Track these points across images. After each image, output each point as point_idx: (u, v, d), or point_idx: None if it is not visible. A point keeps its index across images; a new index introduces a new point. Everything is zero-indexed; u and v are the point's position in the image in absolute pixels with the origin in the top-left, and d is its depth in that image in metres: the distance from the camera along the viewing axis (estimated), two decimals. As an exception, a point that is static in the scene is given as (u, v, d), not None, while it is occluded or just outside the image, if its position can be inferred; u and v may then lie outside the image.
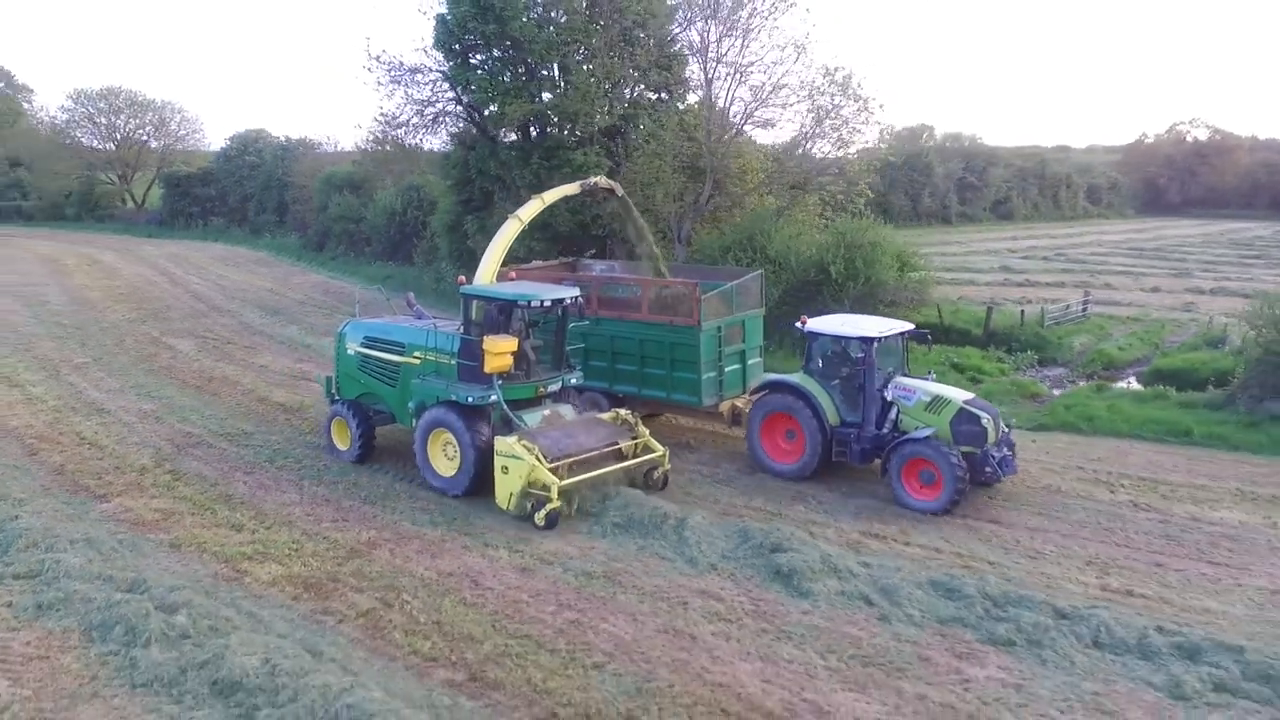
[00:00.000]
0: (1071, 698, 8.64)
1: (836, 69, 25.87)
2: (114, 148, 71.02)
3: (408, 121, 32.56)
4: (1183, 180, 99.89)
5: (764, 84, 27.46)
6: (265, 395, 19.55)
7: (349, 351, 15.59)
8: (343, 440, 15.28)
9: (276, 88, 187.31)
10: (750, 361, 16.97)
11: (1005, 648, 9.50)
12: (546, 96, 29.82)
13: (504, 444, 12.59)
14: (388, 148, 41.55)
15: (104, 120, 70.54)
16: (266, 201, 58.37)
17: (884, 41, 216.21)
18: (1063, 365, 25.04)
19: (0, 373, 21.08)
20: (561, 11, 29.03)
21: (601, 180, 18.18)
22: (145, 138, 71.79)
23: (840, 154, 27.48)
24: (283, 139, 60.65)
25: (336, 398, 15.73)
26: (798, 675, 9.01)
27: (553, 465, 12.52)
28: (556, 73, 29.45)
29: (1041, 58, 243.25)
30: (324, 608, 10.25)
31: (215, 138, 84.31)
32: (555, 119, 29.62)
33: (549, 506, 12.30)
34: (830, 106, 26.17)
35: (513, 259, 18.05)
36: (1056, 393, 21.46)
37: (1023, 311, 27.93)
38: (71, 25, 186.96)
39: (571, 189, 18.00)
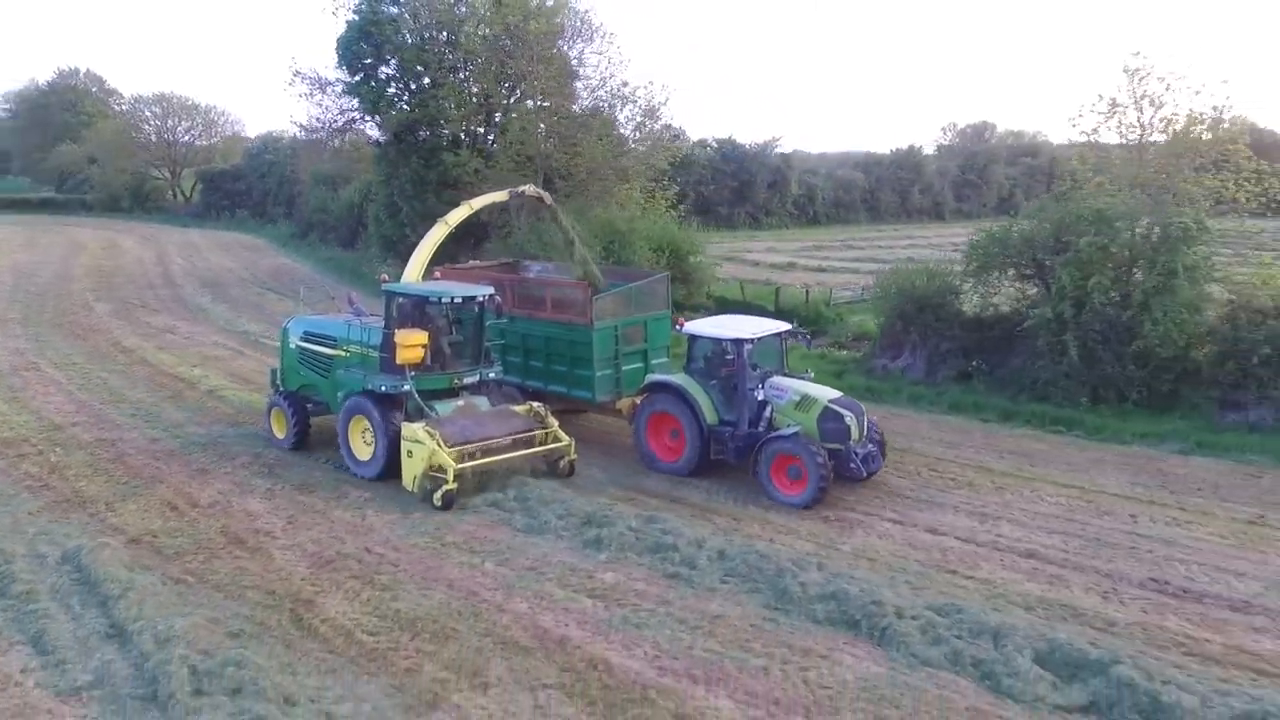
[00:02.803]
0: (418, 530, 13.03)
1: (624, 83, 31.01)
2: (166, 145, 79.56)
3: (328, 126, 38.55)
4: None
5: (595, 93, 32.97)
6: (119, 341, 25.61)
7: (291, 345, 16.71)
8: (280, 429, 16.38)
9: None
10: (656, 361, 17.37)
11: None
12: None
13: (409, 430, 13.61)
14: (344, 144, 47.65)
15: (157, 123, 79.19)
16: (281, 195, 65.58)
17: (945, 38, 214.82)
18: (824, 336, 29.18)
19: (-58, 321, 27.78)
20: (443, 31, 34.47)
21: (530, 189, 19.05)
22: (192, 139, 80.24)
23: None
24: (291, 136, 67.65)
25: (280, 389, 16.88)
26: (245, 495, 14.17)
27: (453, 450, 13.55)
28: (430, 86, 34.81)
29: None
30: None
31: (256, 132, 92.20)
32: (428, 125, 34.96)
33: (445, 487, 13.31)
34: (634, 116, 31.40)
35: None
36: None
37: (807, 291, 32.08)
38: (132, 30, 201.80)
39: (500, 197, 18.77)
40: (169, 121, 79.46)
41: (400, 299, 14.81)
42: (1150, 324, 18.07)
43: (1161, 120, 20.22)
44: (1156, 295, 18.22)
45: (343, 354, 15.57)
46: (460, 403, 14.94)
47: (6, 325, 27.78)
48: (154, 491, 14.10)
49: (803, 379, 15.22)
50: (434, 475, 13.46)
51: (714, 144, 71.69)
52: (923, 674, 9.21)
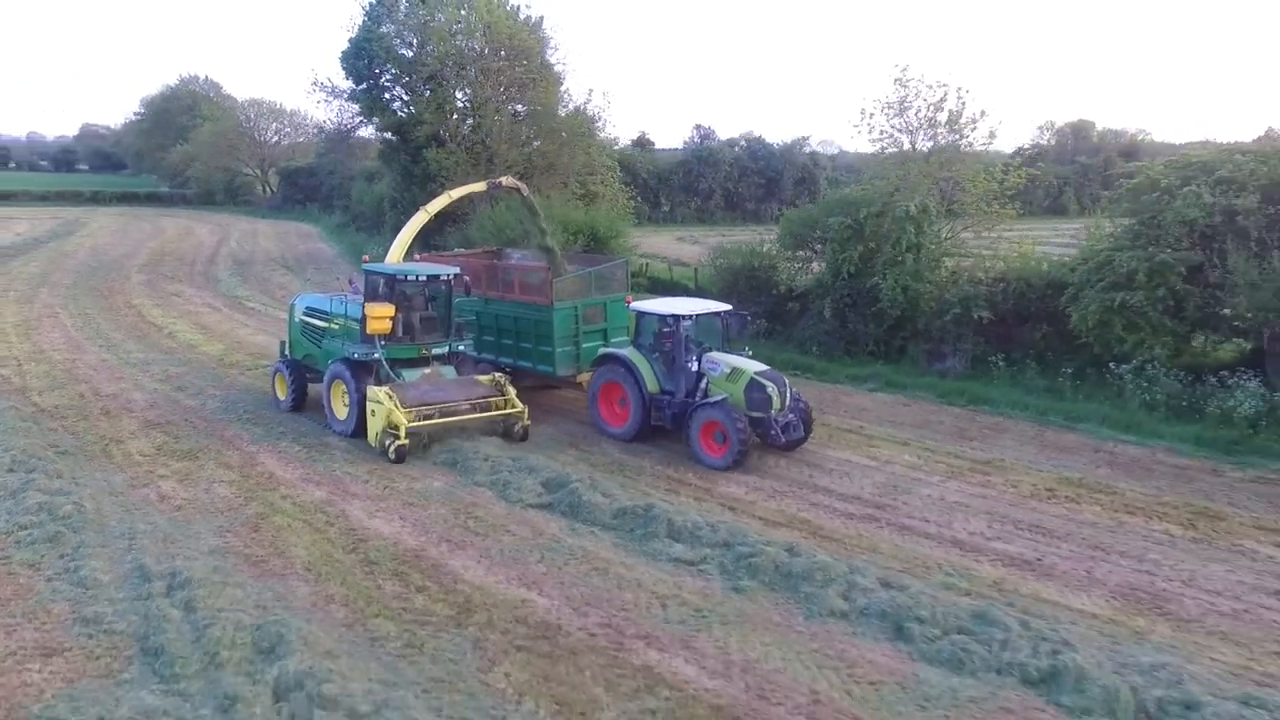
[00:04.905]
0: (233, 412, 18.88)
1: (565, 90, 36.21)
2: (256, 145, 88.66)
3: (342, 128, 45.08)
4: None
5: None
6: (130, 300, 32.16)
7: (296, 319, 18.69)
8: (282, 391, 18.38)
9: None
10: (615, 340, 18.51)
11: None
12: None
13: (372, 392, 15.31)
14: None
15: (249, 125, 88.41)
16: (342, 189, 73.06)
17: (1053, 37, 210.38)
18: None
19: (14, 285, 34.92)
20: (431, 46, 40.23)
21: (506, 180, 20.55)
22: (279, 139, 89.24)
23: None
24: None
25: (286, 357, 18.81)
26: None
27: (408, 410, 15.16)
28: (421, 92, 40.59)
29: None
30: (-12, 363, 22.16)
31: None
32: (413, 126, 40.70)
33: (397, 443, 14.93)
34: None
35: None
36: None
37: (721, 272, 36.41)
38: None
39: (478, 187, 20.68)
40: (259, 123, 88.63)
41: (376, 277, 16.73)
42: (886, 290, 22.06)
43: (931, 122, 24.18)
44: (890, 267, 22.20)
45: (333, 327, 17.56)
46: (427, 370, 16.61)
47: (56, 288, 34.83)
48: (75, 386, 20.00)
49: (739, 355, 16.61)
50: (390, 432, 15.20)
51: (743, 142, 75.86)
52: (469, 489, 14.01)
